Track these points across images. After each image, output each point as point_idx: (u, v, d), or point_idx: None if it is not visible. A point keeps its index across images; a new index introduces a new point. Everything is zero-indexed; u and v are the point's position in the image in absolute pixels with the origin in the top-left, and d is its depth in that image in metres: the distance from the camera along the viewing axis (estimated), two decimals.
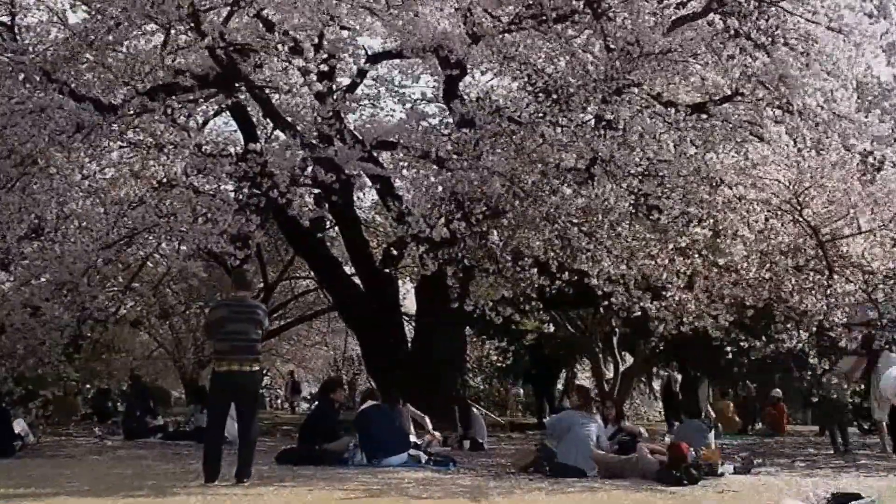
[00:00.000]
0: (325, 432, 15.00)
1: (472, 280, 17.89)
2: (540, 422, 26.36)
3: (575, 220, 16.81)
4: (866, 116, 17.20)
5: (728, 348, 17.24)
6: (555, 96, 16.91)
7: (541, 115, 16.89)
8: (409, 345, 24.50)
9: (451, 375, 24.40)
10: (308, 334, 41.59)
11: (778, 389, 28.40)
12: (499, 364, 39.12)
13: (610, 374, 37.10)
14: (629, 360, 37.98)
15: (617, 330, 36.72)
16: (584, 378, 48.00)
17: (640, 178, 16.49)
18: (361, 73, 19.66)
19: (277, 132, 22.79)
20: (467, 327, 22.21)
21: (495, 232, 17.16)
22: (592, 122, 17.32)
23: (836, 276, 15.93)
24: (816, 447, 20.98)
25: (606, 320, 34.62)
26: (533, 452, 14.18)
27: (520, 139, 16.67)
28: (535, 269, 16.62)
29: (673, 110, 16.07)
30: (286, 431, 22.93)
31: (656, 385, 47.53)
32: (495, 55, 17.94)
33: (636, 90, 16.16)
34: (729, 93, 16.79)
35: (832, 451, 19.17)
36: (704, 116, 17.03)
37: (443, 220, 17.05)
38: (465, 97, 19.18)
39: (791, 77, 15.63)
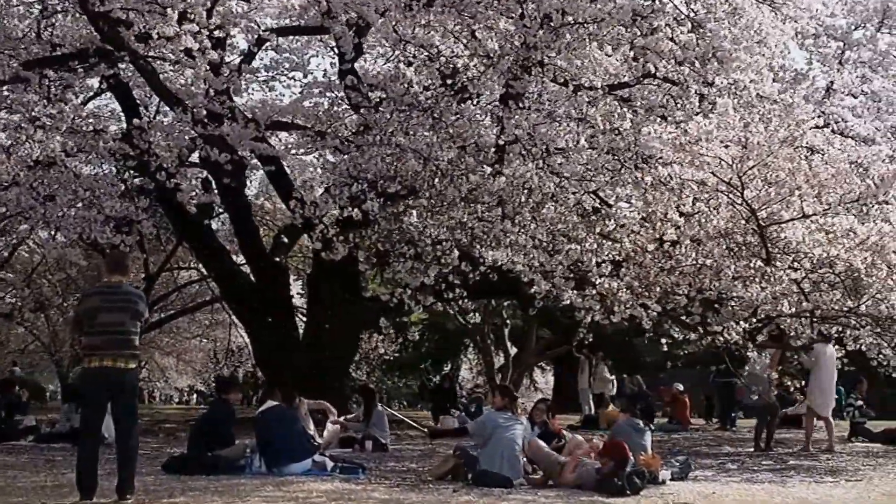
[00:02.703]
0: (219, 437, 13.59)
1: (388, 265, 16.66)
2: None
3: (492, 204, 15.62)
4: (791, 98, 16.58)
5: (663, 340, 16.21)
6: (450, 82, 15.89)
7: (436, 100, 15.83)
8: (301, 336, 23.53)
9: (343, 368, 23.55)
10: (189, 326, 40.31)
11: (679, 383, 27.82)
12: (386, 357, 38.40)
13: (498, 365, 36.97)
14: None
15: (508, 322, 36.35)
16: (465, 370, 48.30)
17: (562, 157, 15.39)
18: (260, 43, 18.33)
19: (161, 114, 21.58)
20: (382, 318, 20.96)
21: (414, 213, 15.91)
22: (498, 100, 16.25)
23: (778, 264, 14.89)
24: (732, 444, 20.15)
25: (497, 311, 34.15)
26: (452, 458, 12.90)
27: (433, 119, 15.50)
28: (457, 254, 15.42)
29: (599, 82, 15.00)
30: (171, 430, 21.47)
31: (538, 377, 47.92)
32: (389, 39, 16.92)
33: (559, 62, 14.97)
34: (652, 69, 15.67)
35: (753, 449, 18.37)
36: (624, 94, 16.11)
37: (349, 199, 15.84)
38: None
39: (723, 50, 14.64)
